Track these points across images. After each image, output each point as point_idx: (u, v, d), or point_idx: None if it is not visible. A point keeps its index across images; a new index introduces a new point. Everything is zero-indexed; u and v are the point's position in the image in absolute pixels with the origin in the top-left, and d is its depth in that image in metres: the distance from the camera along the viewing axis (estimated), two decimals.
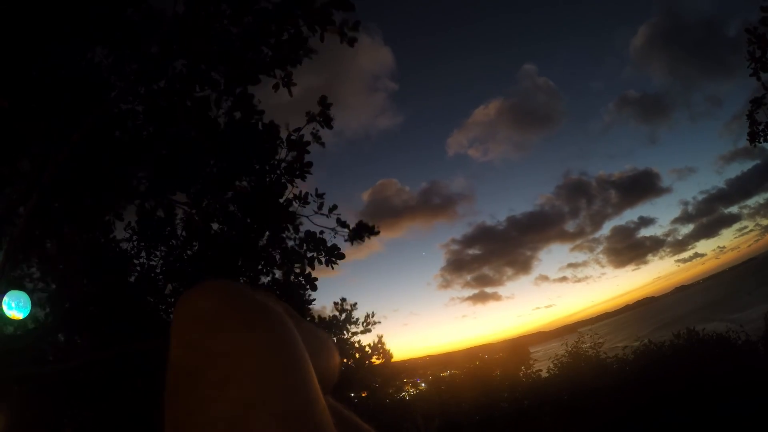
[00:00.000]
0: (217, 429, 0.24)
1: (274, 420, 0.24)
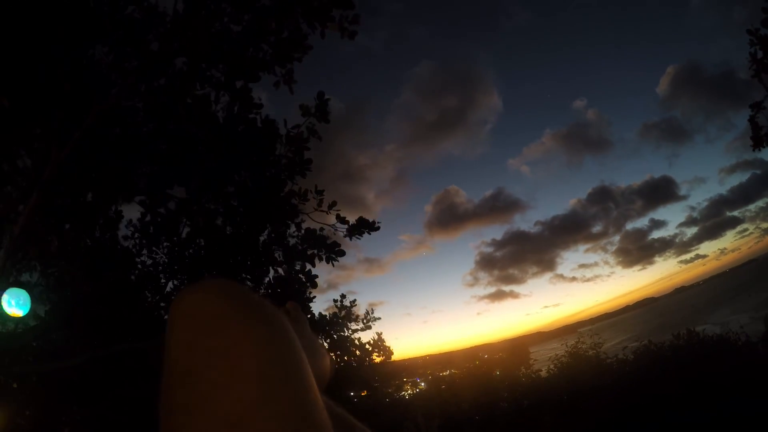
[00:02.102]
0: (217, 429, 0.23)
1: (276, 419, 0.24)
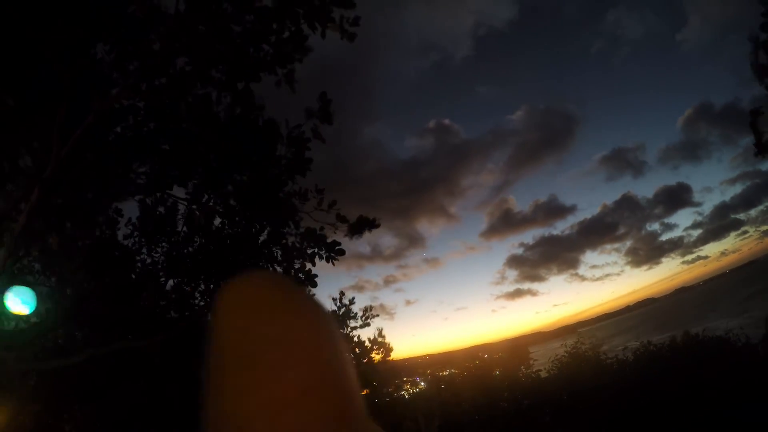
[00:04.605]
0: (272, 409, 0.26)
1: (327, 402, 0.27)
